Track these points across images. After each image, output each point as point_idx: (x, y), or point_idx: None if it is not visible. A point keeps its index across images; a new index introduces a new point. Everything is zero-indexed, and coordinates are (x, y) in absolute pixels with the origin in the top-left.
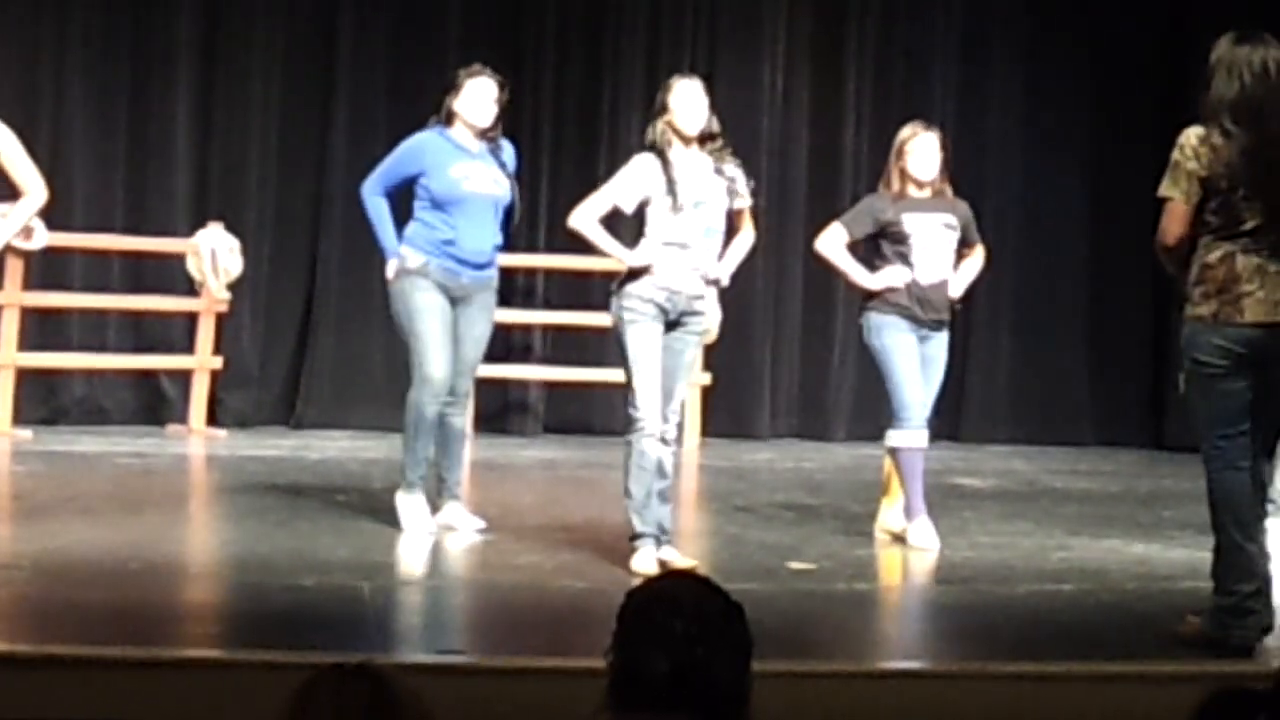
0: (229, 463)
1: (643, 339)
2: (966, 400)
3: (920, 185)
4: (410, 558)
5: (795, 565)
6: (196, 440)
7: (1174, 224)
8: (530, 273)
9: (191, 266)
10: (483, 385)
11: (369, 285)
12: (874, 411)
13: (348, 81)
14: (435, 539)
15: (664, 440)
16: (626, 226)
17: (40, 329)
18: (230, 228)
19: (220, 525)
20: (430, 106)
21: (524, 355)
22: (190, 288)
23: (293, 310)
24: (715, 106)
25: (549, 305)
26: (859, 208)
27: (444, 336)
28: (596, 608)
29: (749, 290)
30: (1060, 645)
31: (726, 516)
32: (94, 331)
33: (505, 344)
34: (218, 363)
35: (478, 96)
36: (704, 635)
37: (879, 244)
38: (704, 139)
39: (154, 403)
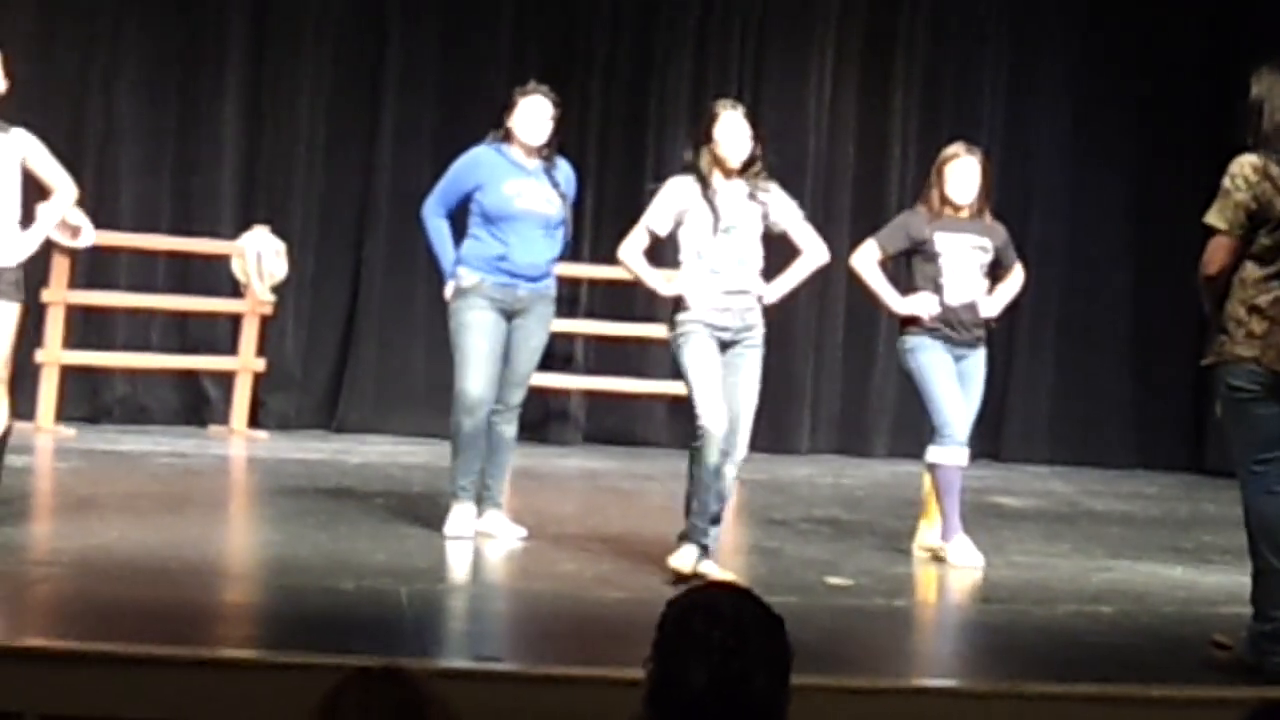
0: (270, 465)
1: (696, 351)
2: (1007, 420)
3: (957, 208)
4: (449, 563)
5: (833, 581)
6: (238, 441)
7: (1218, 255)
8: (573, 282)
9: (236, 269)
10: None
11: (412, 290)
12: (914, 428)
13: (395, 88)
14: (475, 545)
15: (730, 459)
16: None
17: (85, 328)
18: (276, 231)
19: (260, 527)
20: (478, 115)
21: (566, 365)
22: (235, 290)
23: (336, 314)
24: (757, 133)
25: (591, 315)
26: (894, 224)
27: (489, 354)
28: (634, 617)
29: (791, 305)
30: (1098, 667)
31: (765, 531)
32: (138, 331)
33: (547, 353)
34: (260, 365)
35: (532, 115)
36: (743, 647)
37: (910, 261)
38: (744, 167)
39: (196, 403)
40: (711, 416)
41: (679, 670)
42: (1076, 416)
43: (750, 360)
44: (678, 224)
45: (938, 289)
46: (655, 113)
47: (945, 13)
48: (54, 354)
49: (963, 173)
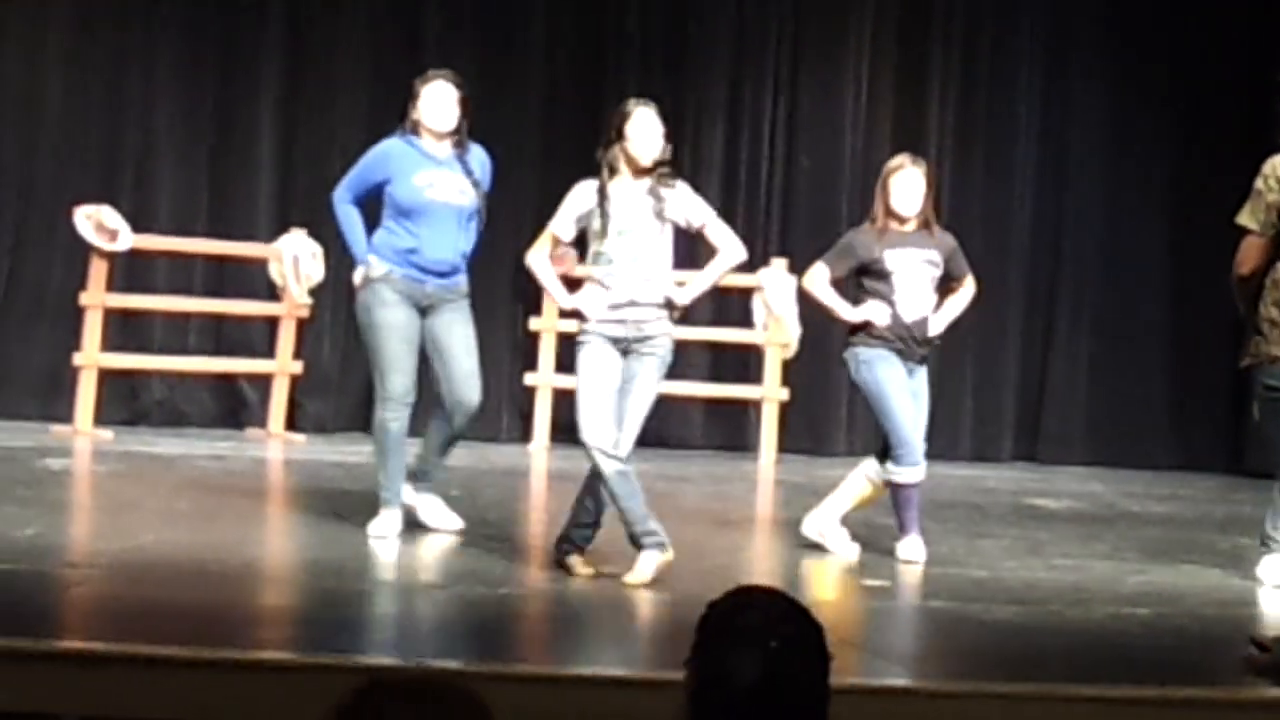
0: (306, 467)
1: (589, 362)
2: (1044, 422)
3: (903, 220)
4: (483, 565)
5: (869, 582)
6: (275, 444)
7: (1250, 255)
8: None
9: (273, 271)
10: (559, 396)
11: None
12: (949, 431)
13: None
14: (507, 549)
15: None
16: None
17: (123, 331)
18: (313, 234)
19: (296, 529)
20: (512, 117)
21: None
22: (272, 293)
23: None
24: (669, 134)
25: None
26: (841, 244)
27: (407, 351)
28: (666, 620)
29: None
30: (1135, 669)
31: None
32: (176, 334)
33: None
34: (298, 368)
35: (437, 101)
36: (792, 645)
37: (861, 280)
38: (654, 167)
39: (233, 406)
40: (592, 430)
41: (728, 667)
42: (1114, 418)
43: (646, 366)
44: (582, 228)
45: (890, 305)
46: (691, 113)
47: (980, 10)
48: (92, 357)
49: (907, 184)
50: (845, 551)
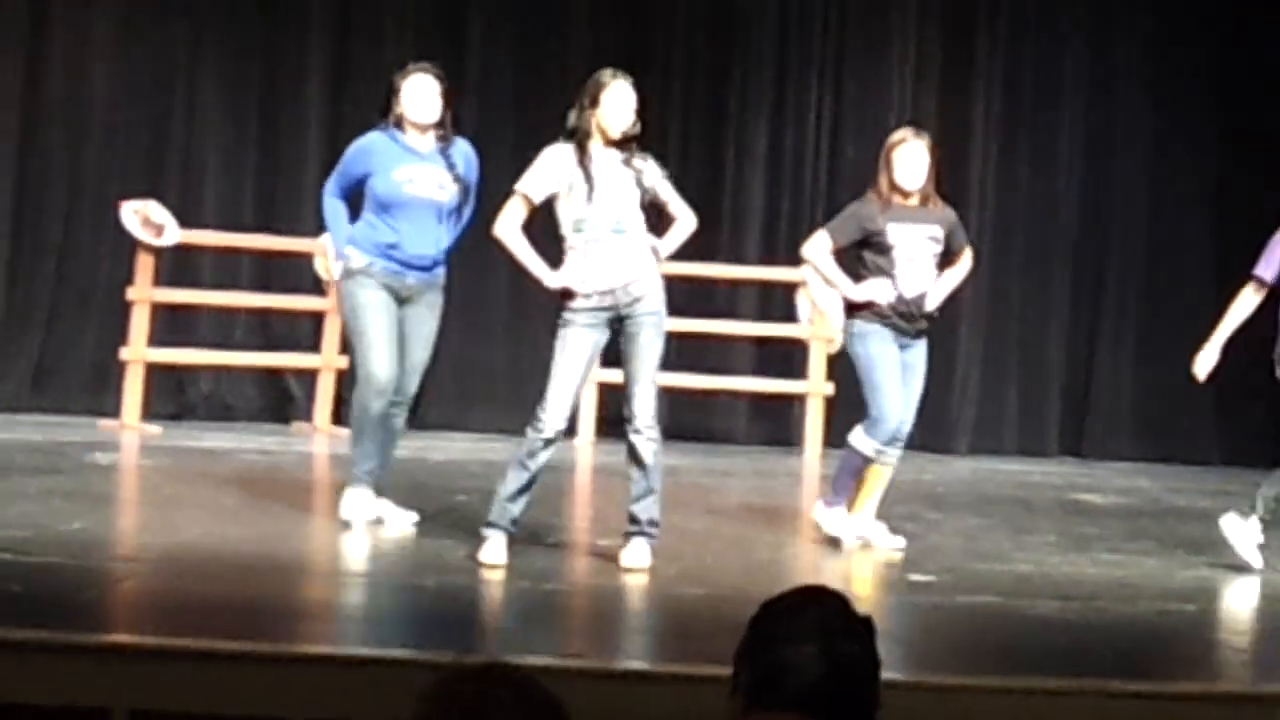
0: (350, 462)
1: (570, 347)
2: (1091, 417)
3: (906, 194)
4: (527, 560)
5: (916, 577)
6: (321, 438)
7: None
8: None
9: (319, 266)
10: (607, 390)
11: (493, 289)
12: (995, 426)
13: (475, 87)
14: (558, 542)
15: (639, 432)
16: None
17: (170, 325)
18: None
19: (341, 524)
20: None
21: None
22: (318, 287)
23: None
24: (641, 112)
25: (672, 312)
26: (845, 214)
27: (388, 335)
28: (713, 614)
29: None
30: (1182, 665)
31: None
32: (222, 329)
33: None
34: (343, 362)
35: (418, 94)
36: (851, 640)
37: (862, 253)
38: (624, 141)
39: (280, 400)
40: (552, 413)
41: (790, 661)
42: (1160, 413)
43: (646, 332)
44: (554, 195)
45: (891, 280)
46: (736, 105)
47: (1024, 8)
48: (139, 352)
49: (911, 157)
50: (890, 543)
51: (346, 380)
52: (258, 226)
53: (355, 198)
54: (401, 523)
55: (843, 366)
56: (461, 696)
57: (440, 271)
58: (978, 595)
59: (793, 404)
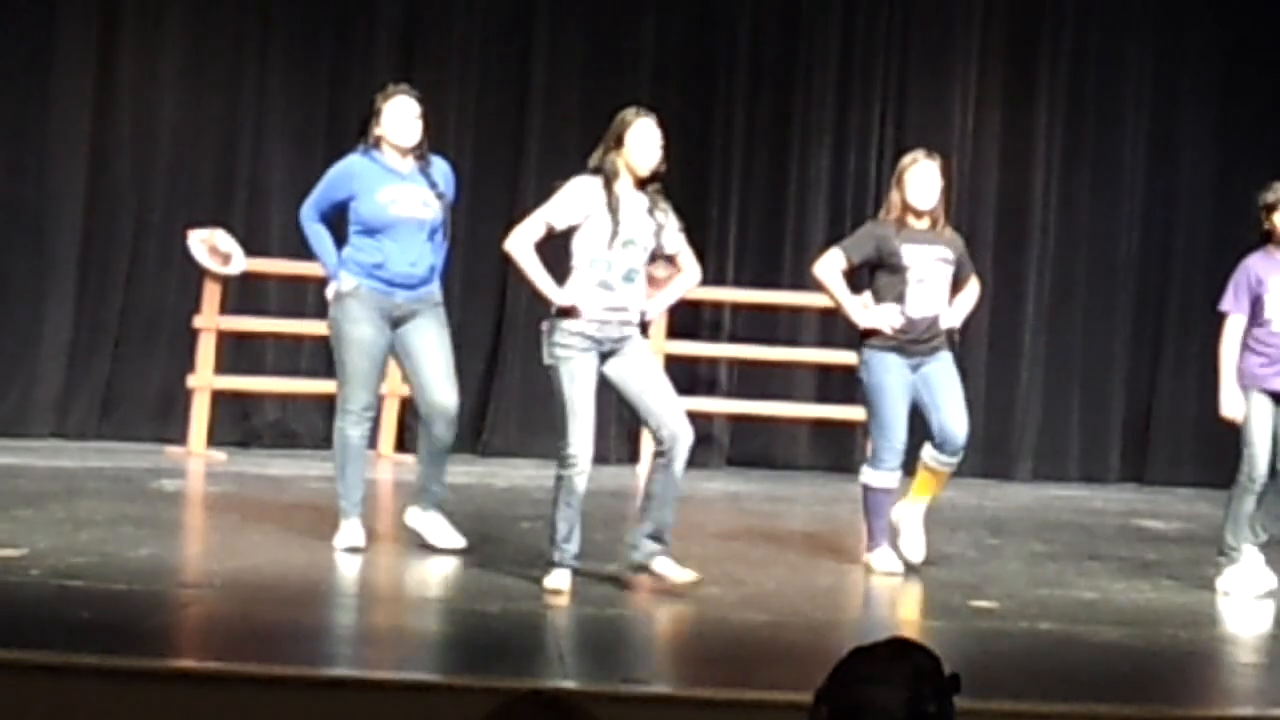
0: (416, 489)
1: (576, 375)
2: (1153, 443)
3: (919, 214)
4: (593, 586)
5: (977, 604)
6: (384, 465)
7: None
8: (717, 306)
9: None
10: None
11: (513, 312)
12: (1056, 452)
13: (540, 113)
14: (612, 569)
15: (670, 455)
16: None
17: (236, 353)
18: None
19: (406, 550)
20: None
21: (709, 388)
22: None
23: (481, 338)
24: (667, 148)
25: (734, 339)
26: (861, 233)
27: (373, 370)
28: (778, 641)
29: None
30: (1246, 692)
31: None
32: (288, 356)
33: (691, 377)
34: (406, 389)
35: (399, 116)
36: (938, 698)
37: (875, 273)
38: (651, 179)
39: None
40: (580, 445)
41: (876, 701)
42: (1223, 439)
43: (636, 349)
44: (574, 225)
45: (900, 300)
46: (798, 136)
47: (1087, 30)
48: (205, 379)
49: (923, 177)
50: (887, 565)
51: (410, 407)
52: None
53: (336, 221)
54: (448, 542)
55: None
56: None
57: (432, 289)
58: (1039, 621)
59: (854, 430)
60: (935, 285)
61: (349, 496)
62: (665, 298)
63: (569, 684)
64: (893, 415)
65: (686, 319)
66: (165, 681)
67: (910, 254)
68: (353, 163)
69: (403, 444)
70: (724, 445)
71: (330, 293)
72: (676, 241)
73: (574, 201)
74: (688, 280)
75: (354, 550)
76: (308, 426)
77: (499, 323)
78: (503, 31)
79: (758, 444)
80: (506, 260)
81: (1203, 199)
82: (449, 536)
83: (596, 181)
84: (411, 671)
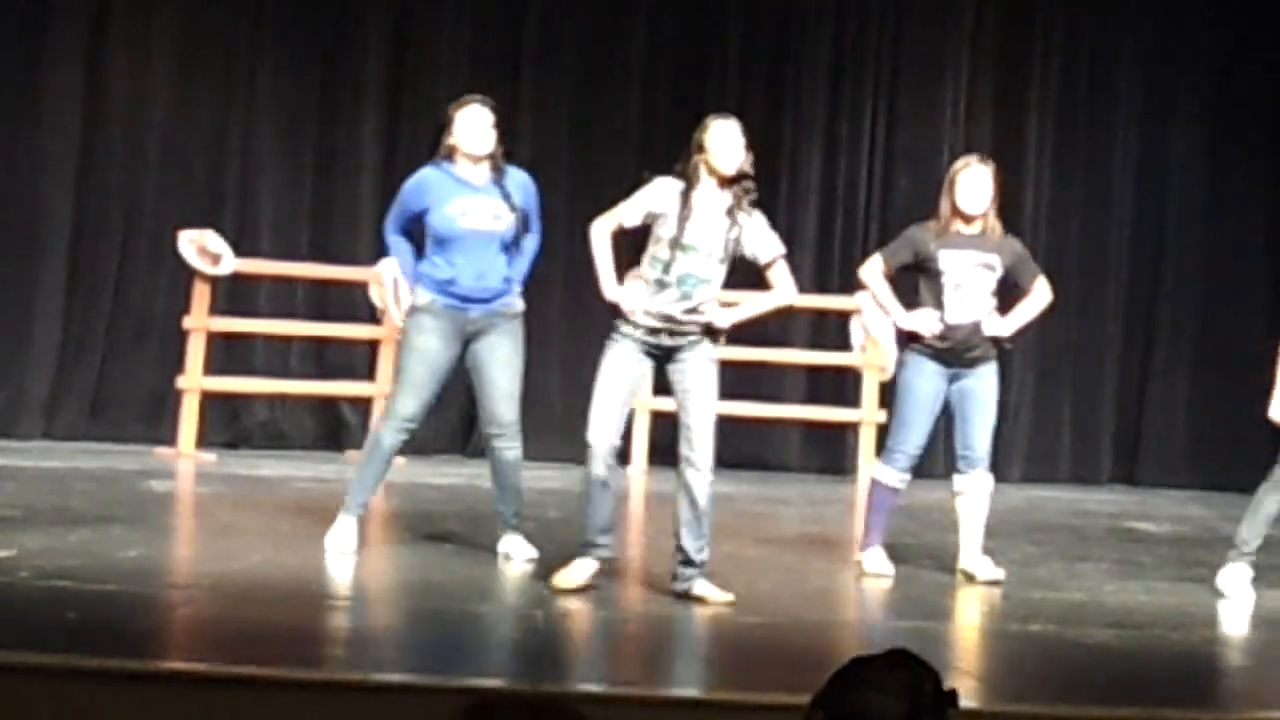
0: (406, 489)
1: (615, 363)
2: (1144, 445)
3: (969, 219)
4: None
5: (967, 605)
6: None
7: None
8: None
9: (374, 295)
10: (658, 418)
11: (546, 317)
12: (1047, 453)
13: (531, 117)
14: (606, 569)
15: (684, 475)
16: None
17: (225, 354)
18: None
19: (396, 551)
20: (611, 141)
21: None
22: (373, 316)
23: None
24: (751, 146)
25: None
26: (902, 237)
27: (431, 384)
28: (770, 642)
29: None
30: (1236, 694)
31: (899, 555)
32: (277, 357)
33: None
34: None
35: (472, 126)
36: (936, 713)
37: (916, 279)
38: (737, 178)
39: (335, 429)
40: (595, 433)
41: (875, 708)
42: (1213, 441)
43: (693, 365)
44: (648, 224)
45: (939, 306)
46: (789, 135)
47: (1077, 34)
48: (195, 380)
49: (975, 182)
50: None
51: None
52: (313, 255)
53: (419, 233)
54: (523, 557)
55: (894, 395)
56: None
57: (507, 300)
58: (1031, 623)
59: (845, 432)
60: (974, 291)
61: (355, 496)
62: (742, 311)
63: (557, 685)
64: (913, 418)
65: None
66: (154, 683)
67: (947, 259)
68: (425, 175)
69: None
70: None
71: (407, 305)
72: (766, 251)
73: (647, 200)
74: (773, 299)
75: (341, 551)
76: (297, 427)
77: None
78: (493, 37)
79: (749, 446)
80: (591, 240)
81: (1192, 205)
82: (522, 550)
83: (678, 184)
84: (400, 673)
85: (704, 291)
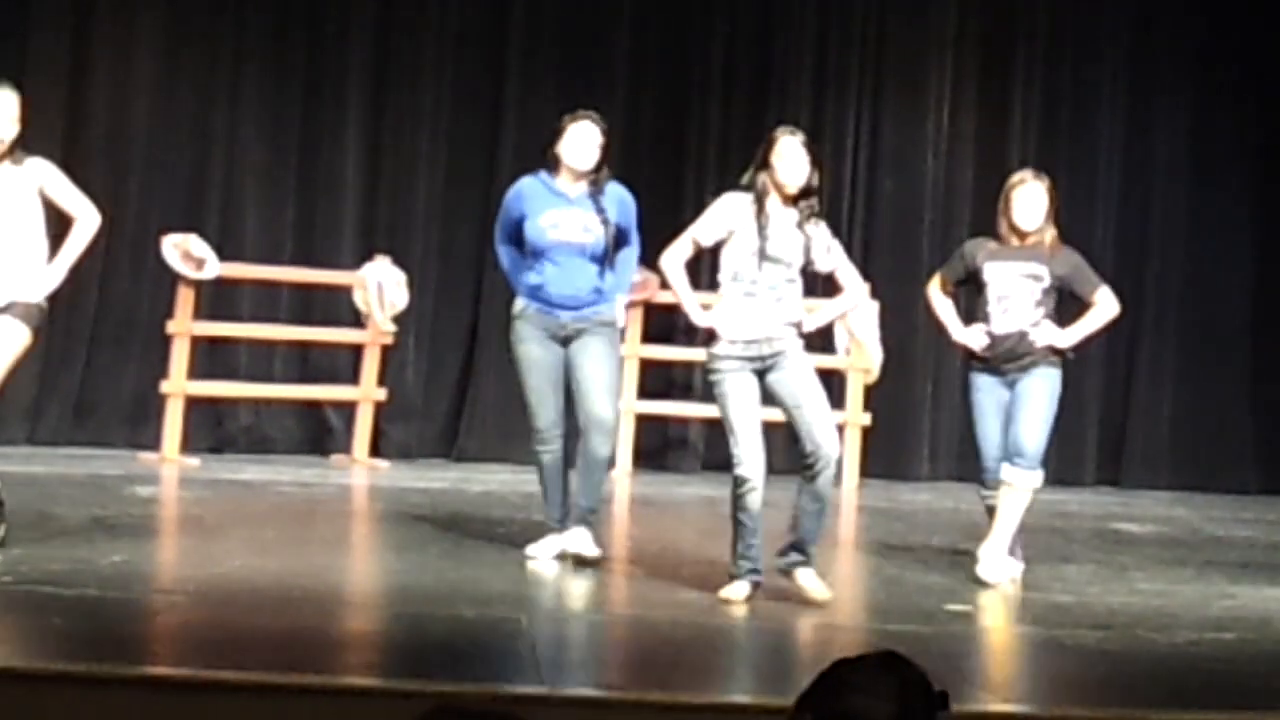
0: (391, 494)
1: (734, 393)
2: (1128, 446)
3: (1024, 235)
4: (570, 591)
5: (952, 607)
6: (359, 471)
7: None
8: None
9: (358, 299)
10: (643, 422)
11: None
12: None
13: (515, 118)
14: (594, 573)
15: (815, 470)
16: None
17: (209, 358)
18: (397, 261)
19: (381, 555)
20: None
21: (684, 393)
22: (356, 320)
23: (456, 344)
24: (816, 163)
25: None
26: (957, 252)
27: (549, 388)
28: (753, 645)
29: (910, 332)
30: (1221, 695)
31: (884, 557)
32: (261, 361)
33: (666, 381)
34: (382, 394)
35: (580, 140)
36: (925, 715)
37: (969, 292)
38: (802, 195)
39: (318, 433)
40: (751, 465)
41: (862, 710)
42: (1198, 442)
43: (793, 366)
44: (722, 241)
45: (985, 318)
46: None
47: (1062, 36)
48: (178, 384)
49: (1029, 198)
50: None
51: (385, 412)
52: (296, 260)
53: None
54: (588, 552)
55: (880, 397)
56: None
57: (599, 309)
58: (1016, 625)
59: None
60: (1019, 302)
61: (550, 512)
62: (823, 314)
63: (541, 689)
64: (980, 435)
65: (662, 323)
66: (138, 688)
67: (991, 271)
68: (524, 185)
69: (376, 449)
70: (700, 450)
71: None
72: (833, 259)
73: (720, 218)
74: (848, 300)
75: (537, 558)
76: (281, 432)
77: (473, 329)
78: (476, 39)
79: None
80: (664, 273)
81: (1177, 204)
82: (587, 545)
83: (746, 198)
84: (385, 677)
85: (789, 299)
